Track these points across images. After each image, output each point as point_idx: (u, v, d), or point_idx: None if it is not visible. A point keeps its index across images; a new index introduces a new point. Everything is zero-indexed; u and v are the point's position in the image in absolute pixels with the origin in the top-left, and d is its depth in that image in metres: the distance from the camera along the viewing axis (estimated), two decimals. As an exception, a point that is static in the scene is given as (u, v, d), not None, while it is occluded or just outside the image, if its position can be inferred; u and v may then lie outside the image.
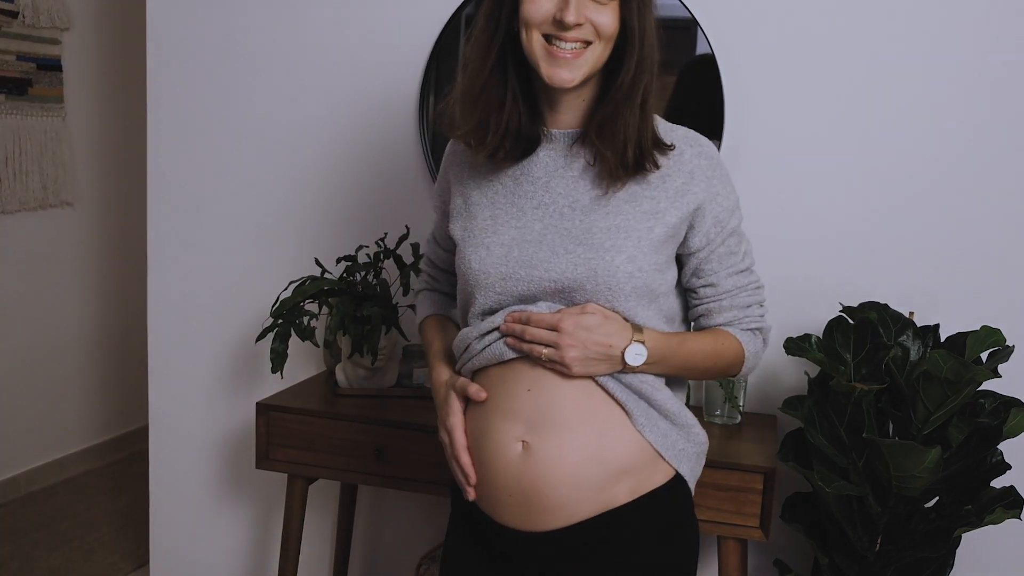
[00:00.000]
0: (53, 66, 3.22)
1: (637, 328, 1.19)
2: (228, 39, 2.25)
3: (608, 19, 1.15)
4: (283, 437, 1.93)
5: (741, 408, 1.88)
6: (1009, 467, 1.62)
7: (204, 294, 2.36)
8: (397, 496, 2.29)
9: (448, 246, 1.42)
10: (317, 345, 2.01)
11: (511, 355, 1.20)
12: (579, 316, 1.17)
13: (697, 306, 1.30)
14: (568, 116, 1.24)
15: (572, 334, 1.15)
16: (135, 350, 3.58)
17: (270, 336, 1.89)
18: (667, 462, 1.23)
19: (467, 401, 1.27)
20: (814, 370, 1.81)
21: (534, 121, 1.24)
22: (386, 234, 2.10)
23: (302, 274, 2.17)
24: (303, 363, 2.28)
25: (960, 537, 1.62)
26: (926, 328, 1.72)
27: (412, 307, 1.82)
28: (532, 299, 1.21)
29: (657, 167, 1.21)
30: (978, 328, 1.66)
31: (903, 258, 1.88)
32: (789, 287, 1.93)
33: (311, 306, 2.17)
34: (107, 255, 3.58)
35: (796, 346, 1.71)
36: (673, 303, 1.28)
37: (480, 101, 1.21)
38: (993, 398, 1.64)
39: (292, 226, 2.27)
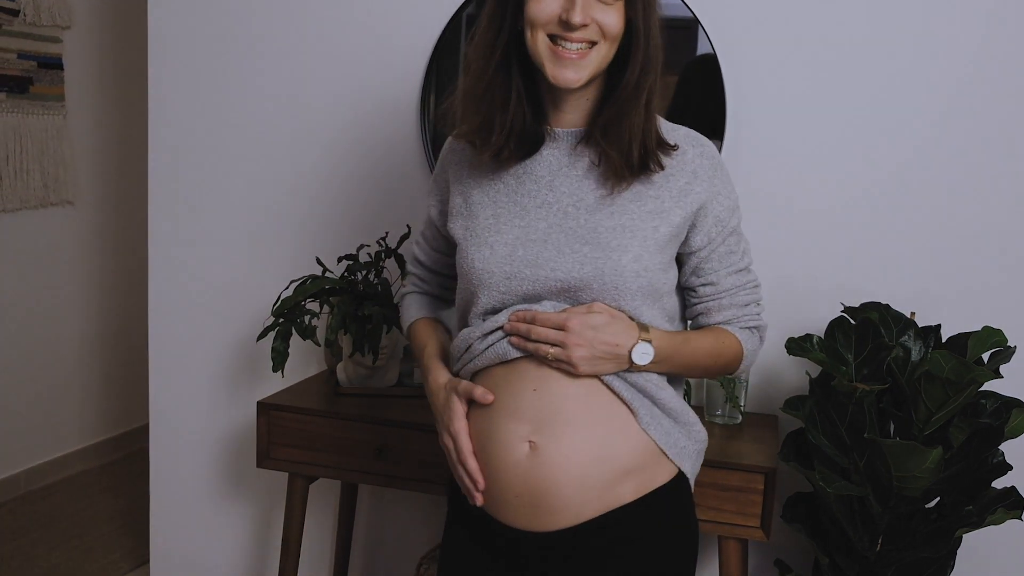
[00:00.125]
0: (54, 64, 3.22)
1: (643, 327, 1.20)
2: (229, 38, 2.25)
3: (613, 19, 1.15)
4: (284, 436, 1.93)
5: (742, 408, 1.88)
6: (1010, 467, 1.62)
7: (205, 293, 2.36)
8: (397, 495, 2.28)
9: (441, 247, 1.41)
10: (318, 344, 2.01)
11: (515, 354, 1.20)
12: (586, 315, 1.16)
13: (696, 304, 1.30)
14: (572, 115, 1.24)
15: (580, 333, 1.15)
16: (136, 349, 3.59)
17: (271, 335, 1.89)
18: (671, 460, 1.24)
19: (468, 403, 1.26)
20: (815, 370, 1.81)
21: (538, 120, 1.24)
22: (387, 233, 2.10)
23: (303, 273, 2.17)
24: (304, 362, 2.28)
25: (961, 537, 1.61)
26: (928, 328, 1.72)
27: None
28: (536, 298, 1.20)
29: (662, 168, 1.21)
30: (979, 328, 1.66)
31: (905, 258, 1.88)
32: (790, 287, 1.93)
33: (312, 305, 2.16)
34: (108, 253, 3.58)
35: (797, 346, 1.70)
36: (674, 302, 1.29)
37: (484, 100, 1.21)
38: (994, 399, 1.64)
39: (293, 225, 2.27)
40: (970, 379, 1.49)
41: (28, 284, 3.26)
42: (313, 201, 2.25)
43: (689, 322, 1.35)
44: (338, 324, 1.88)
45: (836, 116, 1.88)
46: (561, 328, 1.16)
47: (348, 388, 1.99)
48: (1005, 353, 1.63)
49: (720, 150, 1.92)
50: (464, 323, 1.29)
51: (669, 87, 1.93)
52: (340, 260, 2.03)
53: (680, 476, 1.26)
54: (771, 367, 1.97)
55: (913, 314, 1.76)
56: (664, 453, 1.23)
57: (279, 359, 1.87)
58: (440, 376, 1.30)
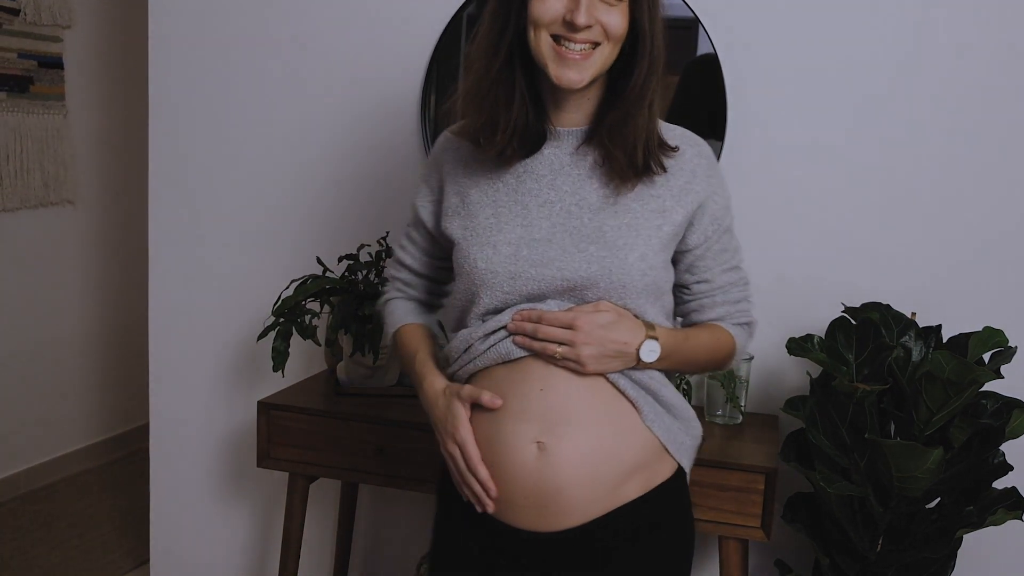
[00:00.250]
0: (54, 64, 3.22)
1: (649, 325, 1.21)
2: (229, 38, 2.25)
3: (617, 20, 1.15)
4: (284, 436, 1.92)
5: (743, 408, 1.88)
6: (1011, 468, 1.62)
7: (205, 292, 2.36)
8: (397, 495, 2.28)
9: (430, 248, 1.38)
10: (319, 344, 2.00)
11: (519, 354, 1.19)
12: (594, 314, 1.17)
13: (689, 301, 1.31)
14: (574, 115, 1.24)
15: (589, 332, 1.16)
16: (136, 348, 3.58)
17: (272, 335, 1.89)
18: (672, 456, 1.25)
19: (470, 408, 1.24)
20: (816, 370, 1.81)
21: (540, 119, 1.23)
22: (388, 232, 2.09)
23: (304, 272, 2.17)
24: (304, 362, 2.28)
25: (962, 538, 1.61)
26: (928, 329, 1.72)
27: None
28: (540, 298, 1.20)
29: (664, 170, 1.22)
30: (980, 329, 1.66)
31: (906, 258, 1.88)
32: (791, 287, 1.93)
33: (312, 305, 2.16)
34: (108, 253, 3.58)
35: (798, 346, 1.70)
36: (671, 300, 1.30)
37: (488, 99, 1.21)
38: (995, 399, 1.64)
39: (293, 225, 2.27)
40: (971, 379, 1.49)
41: (28, 284, 3.25)
42: (314, 201, 2.25)
43: (679, 319, 1.36)
44: (338, 324, 1.88)
45: (836, 116, 1.88)
46: (570, 327, 1.16)
47: (348, 388, 1.99)
48: (1006, 353, 1.63)
49: (721, 150, 1.92)
50: (461, 324, 1.28)
51: (669, 87, 1.93)
52: (340, 260, 2.03)
53: (679, 471, 1.27)
54: (772, 367, 1.97)
55: (914, 314, 1.76)
56: (666, 449, 1.24)
57: (279, 359, 1.87)
58: (436, 382, 1.28)
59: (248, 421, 2.35)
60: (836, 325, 1.69)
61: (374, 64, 2.15)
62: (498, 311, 1.22)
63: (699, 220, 1.25)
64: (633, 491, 1.21)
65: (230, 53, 2.26)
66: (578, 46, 1.15)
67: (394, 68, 2.13)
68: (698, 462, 1.65)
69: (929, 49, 1.82)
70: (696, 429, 1.30)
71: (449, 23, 2.07)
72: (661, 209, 1.22)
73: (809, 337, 1.72)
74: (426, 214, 1.35)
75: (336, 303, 1.92)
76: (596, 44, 1.16)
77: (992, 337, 1.63)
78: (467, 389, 1.21)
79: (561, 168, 1.23)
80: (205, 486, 2.44)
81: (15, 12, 3.04)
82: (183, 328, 2.39)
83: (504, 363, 1.21)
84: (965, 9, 1.79)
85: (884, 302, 1.76)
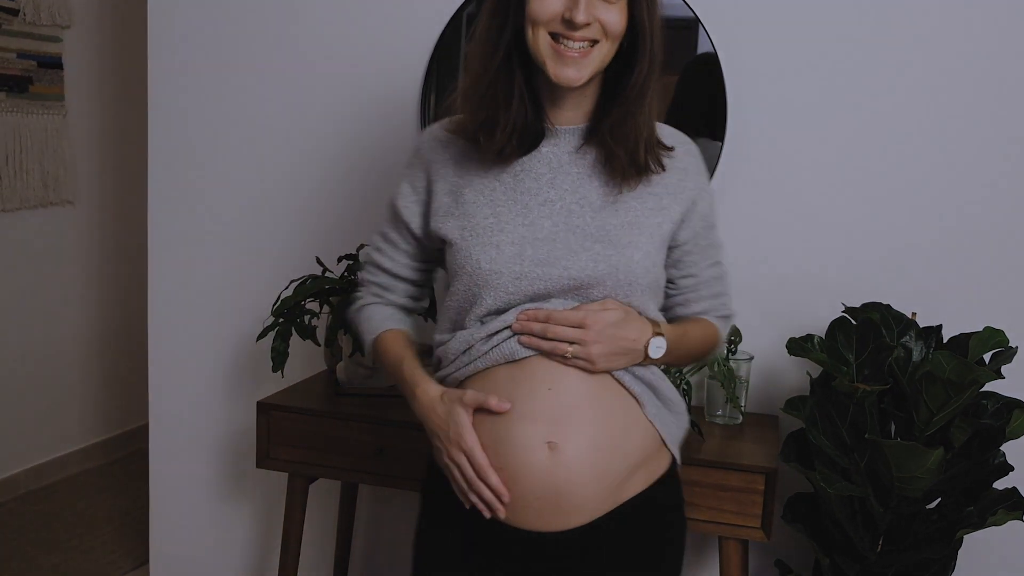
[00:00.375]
0: (54, 64, 3.22)
1: (653, 322, 1.23)
2: (229, 38, 2.25)
3: (616, 18, 1.15)
4: (284, 436, 1.92)
5: (743, 408, 1.88)
6: (1012, 468, 1.62)
7: (205, 292, 2.36)
8: (397, 495, 2.28)
9: (412, 250, 1.34)
10: (318, 344, 2.00)
11: (524, 354, 1.18)
12: (603, 312, 1.17)
13: (675, 295, 1.33)
14: (571, 112, 1.24)
15: (600, 331, 1.16)
16: (135, 348, 3.58)
17: (271, 335, 1.89)
18: (668, 449, 1.27)
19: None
20: (816, 370, 1.81)
21: (539, 117, 1.23)
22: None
23: (303, 273, 2.17)
24: (304, 362, 2.27)
25: (962, 538, 1.61)
26: (929, 329, 1.72)
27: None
28: (545, 297, 1.19)
29: (663, 168, 1.23)
30: (981, 329, 1.65)
31: (906, 258, 1.87)
32: (791, 287, 1.92)
33: (312, 305, 2.16)
34: (107, 253, 3.58)
35: (798, 346, 1.70)
36: (662, 296, 1.32)
37: (486, 99, 1.20)
38: (996, 399, 1.64)
39: (293, 225, 2.27)
40: (971, 380, 1.48)
41: (28, 284, 3.25)
42: (313, 201, 2.24)
43: (661, 313, 1.36)
44: (338, 324, 1.87)
45: (837, 116, 1.88)
46: (580, 326, 1.16)
47: (348, 388, 1.99)
48: (1007, 354, 1.63)
49: (720, 150, 1.91)
50: (457, 326, 1.25)
51: (668, 87, 1.92)
52: (340, 260, 2.03)
53: (674, 463, 1.30)
54: (772, 367, 1.97)
55: (914, 314, 1.76)
56: (664, 442, 1.26)
57: (279, 359, 1.87)
58: (430, 388, 1.24)
59: (248, 421, 2.34)
60: (836, 325, 1.69)
61: (374, 63, 2.15)
62: (500, 311, 1.21)
63: (690, 216, 1.27)
64: (637, 486, 1.22)
65: (229, 53, 2.25)
66: (577, 44, 1.15)
67: (394, 67, 2.13)
68: (698, 462, 1.67)
69: (929, 49, 1.82)
70: (685, 421, 1.33)
71: (449, 22, 2.06)
72: (659, 207, 1.23)
73: (809, 337, 1.72)
74: (409, 214, 1.31)
75: (335, 303, 1.91)
76: (594, 42, 1.16)
77: (992, 337, 1.62)
78: (470, 395, 1.18)
79: (560, 166, 1.23)
80: (205, 486, 2.44)
81: (14, 12, 3.04)
82: (183, 328, 2.39)
83: (506, 364, 1.20)
84: (966, 9, 1.79)
85: (884, 302, 1.76)
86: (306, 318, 1.91)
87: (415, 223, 1.31)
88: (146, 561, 2.63)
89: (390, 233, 1.35)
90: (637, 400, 1.22)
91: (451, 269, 1.24)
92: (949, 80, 1.82)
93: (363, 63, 2.16)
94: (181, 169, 2.34)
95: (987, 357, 1.66)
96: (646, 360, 1.21)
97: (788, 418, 1.91)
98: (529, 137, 1.22)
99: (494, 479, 1.17)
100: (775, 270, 1.93)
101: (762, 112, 1.91)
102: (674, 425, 1.28)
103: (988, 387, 1.68)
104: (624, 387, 1.21)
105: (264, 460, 1.94)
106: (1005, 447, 1.63)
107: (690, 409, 1.78)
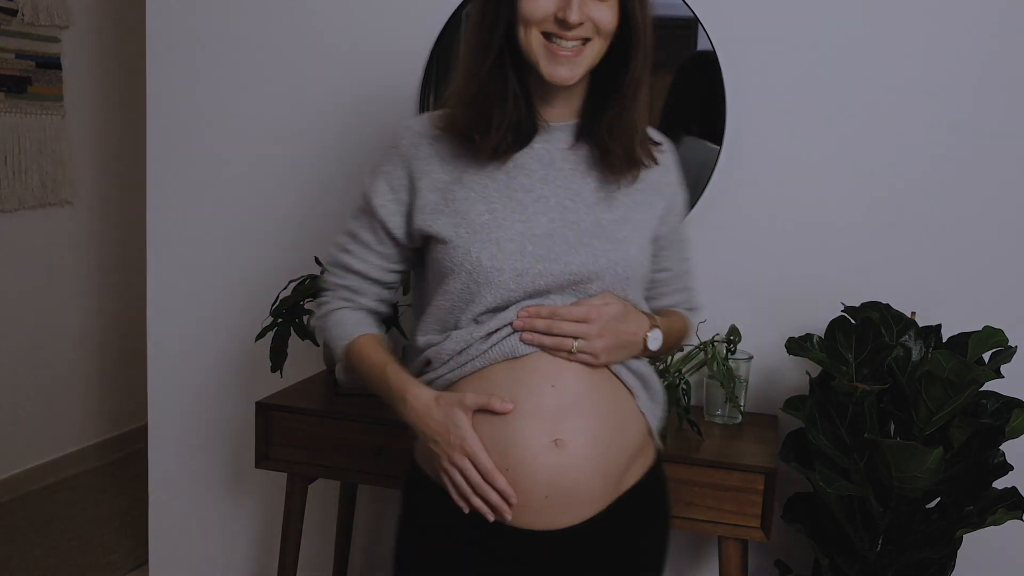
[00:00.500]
0: (52, 64, 3.22)
1: (649, 315, 1.26)
2: (228, 37, 2.25)
3: (608, 16, 1.16)
4: (283, 436, 1.92)
5: (742, 408, 1.88)
6: (1011, 468, 1.62)
7: (203, 293, 2.36)
8: (396, 496, 2.27)
9: (386, 251, 1.28)
10: (317, 344, 2.00)
11: (525, 351, 1.17)
12: (604, 307, 1.19)
13: (648, 289, 1.35)
14: (562, 109, 1.24)
15: (604, 325, 1.18)
16: (134, 349, 3.58)
17: (270, 335, 1.89)
18: (654, 438, 1.30)
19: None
20: (815, 370, 1.81)
21: (531, 114, 1.23)
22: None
23: (302, 273, 2.17)
24: (303, 362, 2.27)
25: (962, 538, 1.61)
26: (928, 328, 1.72)
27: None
28: (544, 293, 1.19)
29: (656, 163, 1.26)
30: (980, 328, 1.65)
31: (905, 258, 1.87)
32: (791, 286, 1.92)
33: (311, 305, 2.15)
34: (106, 254, 3.57)
35: (798, 346, 1.70)
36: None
37: (479, 97, 1.20)
38: (995, 399, 1.64)
39: (292, 225, 2.26)
40: (971, 379, 1.48)
41: (27, 284, 3.25)
42: (312, 201, 2.24)
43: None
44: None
45: (836, 116, 1.87)
46: (584, 321, 1.17)
47: (347, 388, 1.98)
48: (1006, 353, 1.63)
49: (720, 150, 1.91)
50: (450, 326, 1.22)
51: (665, 86, 1.92)
52: (339, 260, 2.02)
53: (658, 452, 1.32)
54: (771, 367, 1.96)
55: (914, 314, 1.76)
56: (651, 432, 1.28)
57: (278, 359, 1.87)
58: (422, 393, 1.19)
59: (247, 421, 2.34)
60: (836, 325, 1.68)
61: (373, 62, 2.14)
62: (499, 309, 1.19)
63: (670, 212, 1.31)
64: (633, 477, 1.24)
65: (228, 53, 2.25)
66: (570, 43, 1.15)
67: (393, 67, 2.13)
68: (698, 462, 1.67)
69: (929, 48, 1.82)
70: (664, 410, 1.34)
71: (448, 21, 2.06)
72: (647, 202, 1.26)
73: (809, 337, 1.72)
74: (387, 212, 1.25)
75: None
76: (587, 40, 1.16)
77: (992, 337, 1.62)
78: (470, 397, 1.15)
79: (552, 163, 1.23)
80: (204, 487, 2.43)
81: (13, 12, 3.04)
82: (182, 328, 2.39)
83: (505, 361, 1.18)
84: (964, 10, 1.79)
85: (884, 302, 1.76)
86: (305, 318, 1.91)
87: (393, 222, 1.26)
88: (146, 561, 2.63)
89: (361, 233, 1.29)
90: (631, 392, 1.24)
91: (444, 268, 1.20)
92: (949, 80, 1.82)
93: (363, 62, 2.15)
94: (180, 169, 2.33)
95: (986, 356, 1.66)
96: (644, 352, 1.24)
97: (787, 418, 1.91)
98: (523, 134, 1.22)
99: (502, 482, 1.14)
100: (774, 270, 1.92)
101: (761, 112, 1.90)
102: (659, 414, 1.30)
103: (987, 386, 1.68)
104: (620, 380, 1.23)
105: (263, 460, 1.94)
106: (1004, 446, 1.63)
107: (689, 409, 1.79)
